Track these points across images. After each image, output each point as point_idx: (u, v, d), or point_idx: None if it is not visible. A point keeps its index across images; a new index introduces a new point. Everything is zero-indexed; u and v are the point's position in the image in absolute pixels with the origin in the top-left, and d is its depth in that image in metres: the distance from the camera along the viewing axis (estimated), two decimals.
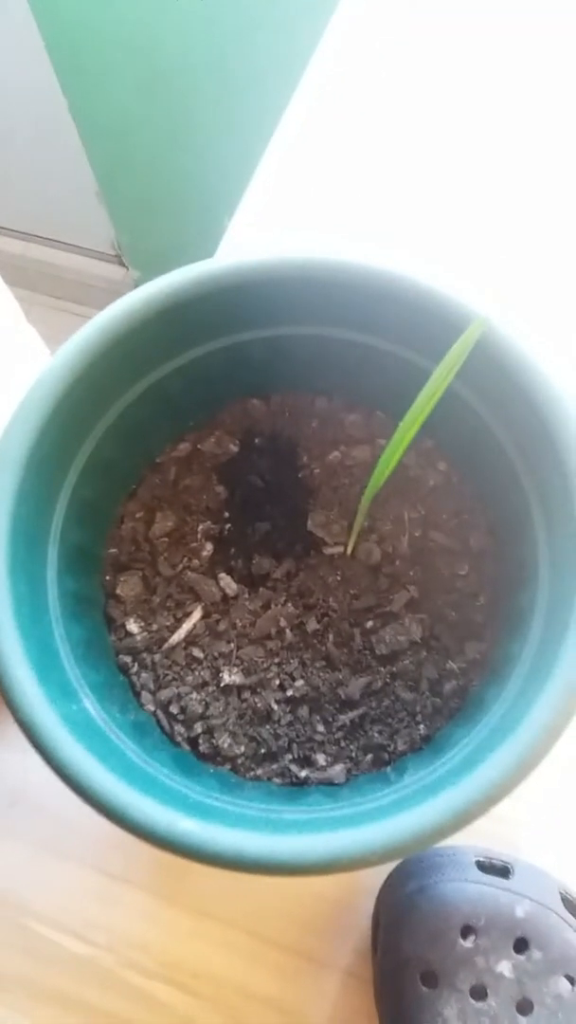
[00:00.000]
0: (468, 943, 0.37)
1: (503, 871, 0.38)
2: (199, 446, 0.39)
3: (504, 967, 0.37)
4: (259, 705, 0.35)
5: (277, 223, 0.51)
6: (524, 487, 0.33)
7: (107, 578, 0.37)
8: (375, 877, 0.41)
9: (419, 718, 0.35)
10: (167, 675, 0.36)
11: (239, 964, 0.42)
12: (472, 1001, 0.36)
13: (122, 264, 1.22)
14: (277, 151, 0.54)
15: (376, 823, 0.27)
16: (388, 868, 0.40)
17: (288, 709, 0.36)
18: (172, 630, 0.37)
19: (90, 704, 0.32)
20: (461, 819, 0.27)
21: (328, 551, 0.38)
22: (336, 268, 0.31)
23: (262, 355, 0.36)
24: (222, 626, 0.37)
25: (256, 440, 0.39)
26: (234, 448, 0.39)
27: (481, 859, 0.39)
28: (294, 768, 0.34)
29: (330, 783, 0.34)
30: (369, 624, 0.37)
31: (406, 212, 0.51)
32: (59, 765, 0.27)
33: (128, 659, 0.36)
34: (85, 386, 0.32)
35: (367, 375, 0.36)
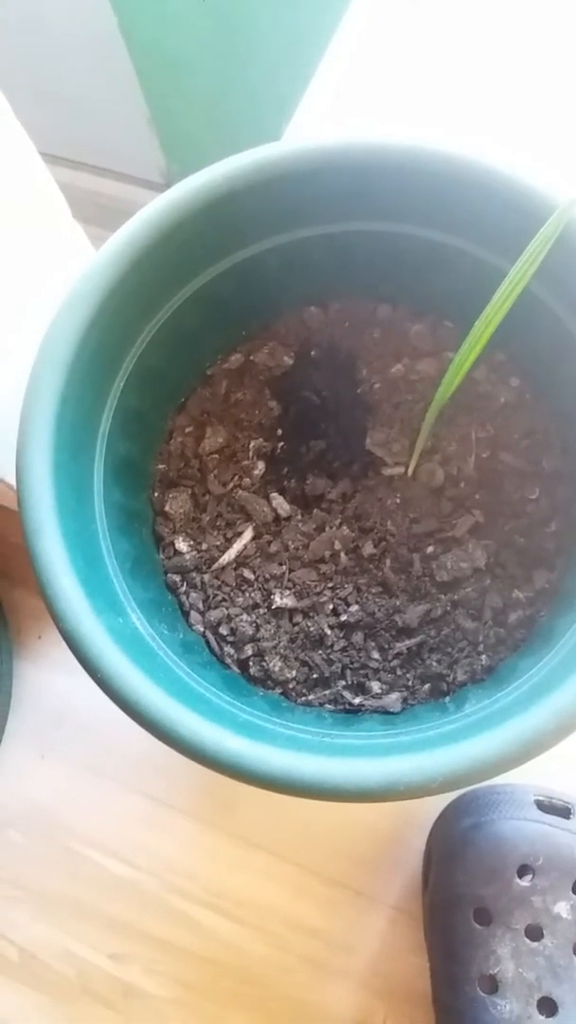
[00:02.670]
0: (525, 882, 0.35)
1: (564, 811, 0.36)
2: (252, 358, 0.37)
3: (562, 908, 0.35)
4: (311, 629, 0.34)
5: (339, 120, 0.48)
6: None
7: (156, 494, 0.36)
8: (427, 812, 0.40)
9: (481, 648, 0.33)
10: (217, 596, 0.35)
11: (285, 895, 0.41)
12: (527, 941, 0.35)
13: None
14: (339, 51, 0.50)
15: (438, 749, 0.25)
16: (441, 803, 0.39)
17: (342, 634, 0.34)
18: (222, 550, 0.35)
19: (137, 620, 0.30)
20: (530, 748, 0.25)
21: (387, 472, 0.36)
22: (407, 152, 0.28)
23: (322, 255, 0.33)
24: (274, 547, 0.35)
25: (312, 352, 0.37)
26: (289, 360, 0.37)
27: (541, 798, 0.37)
28: (347, 695, 0.33)
29: (385, 711, 0.32)
30: (429, 549, 0.35)
31: (478, 105, 0.48)
32: (103, 677, 0.26)
33: (177, 578, 0.35)
34: (132, 284, 0.30)
35: (436, 278, 0.33)
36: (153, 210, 0.29)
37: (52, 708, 0.43)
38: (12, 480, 0.35)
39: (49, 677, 0.44)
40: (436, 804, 0.39)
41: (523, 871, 0.36)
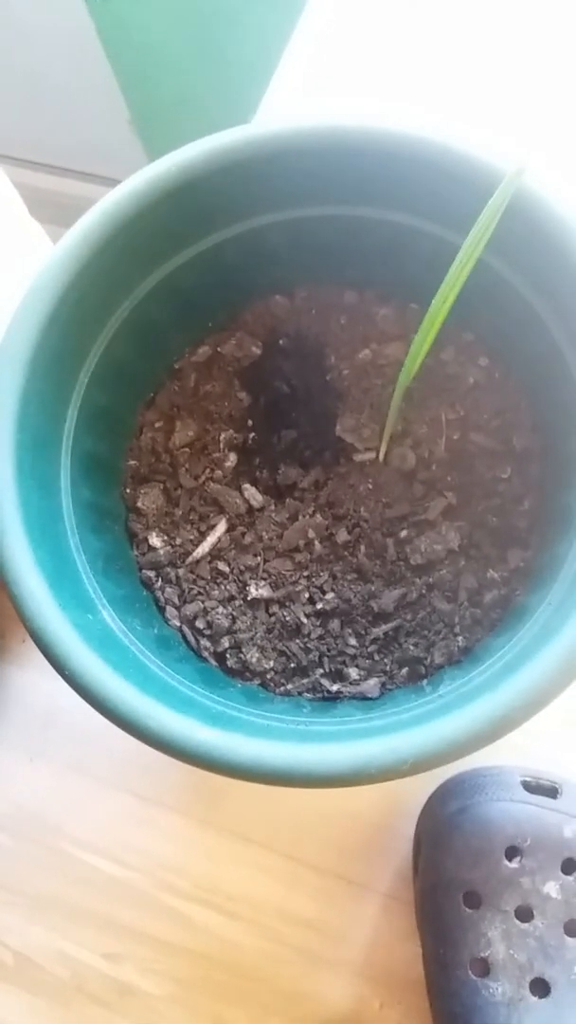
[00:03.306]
0: (513, 864, 0.35)
1: (551, 791, 0.36)
2: (219, 349, 0.37)
3: (551, 888, 0.35)
4: (288, 619, 0.34)
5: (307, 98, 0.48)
6: (573, 375, 0.30)
7: (127, 491, 0.36)
8: (416, 799, 0.39)
9: (457, 630, 0.33)
10: (192, 589, 0.34)
11: (277, 887, 0.41)
12: (517, 922, 0.35)
13: None
14: (303, 35, 0.50)
15: (408, 731, 0.25)
16: (429, 789, 0.39)
17: (318, 623, 0.34)
18: (196, 544, 0.35)
19: (108, 616, 0.30)
20: (500, 725, 0.25)
21: (358, 458, 0.35)
22: (356, 132, 0.28)
23: (283, 242, 0.33)
24: (248, 539, 0.35)
25: (280, 341, 0.37)
26: (257, 351, 0.37)
27: (528, 779, 0.37)
28: (326, 682, 0.33)
29: (363, 697, 0.32)
30: (403, 534, 0.34)
31: (447, 79, 0.47)
32: (71, 674, 0.26)
33: (151, 574, 0.35)
34: (92, 277, 0.29)
35: (399, 260, 0.33)
36: (110, 201, 0.29)
37: (39, 710, 0.43)
38: None
39: (35, 680, 0.43)
40: (424, 790, 0.39)
41: (511, 853, 0.35)
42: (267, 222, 0.32)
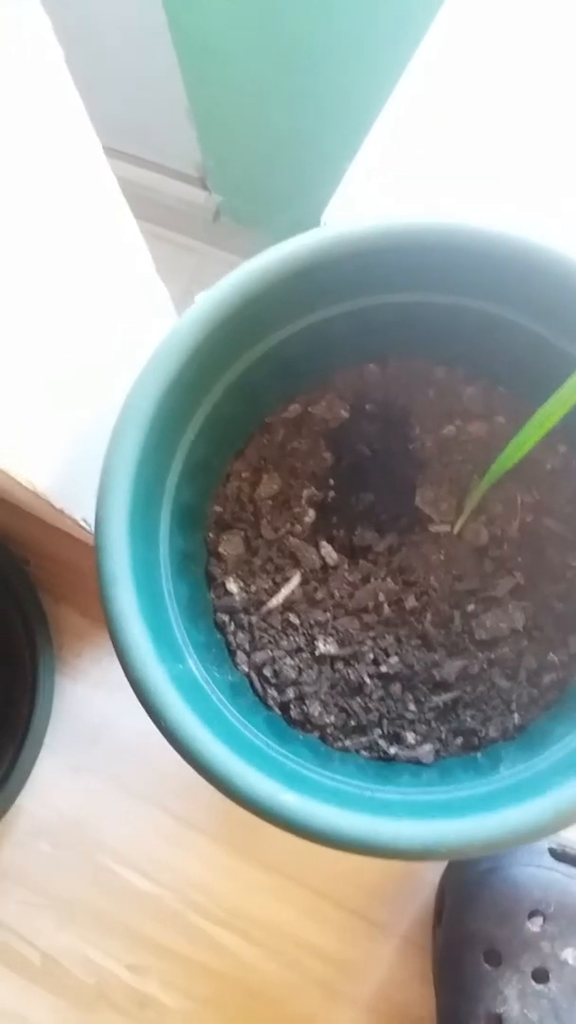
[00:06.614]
0: (535, 927, 0.37)
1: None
2: (309, 409, 0.38)
3: (569, 954, 0.37)
4: (351, 677, 0.35)
5: (395, 175, 0.48)
6: None
7: (210, 535, 0.37)
8: None
9: (514, 707, 0.34)
10: (263, 637, 0.36)
11: (300, 919, 0.43)
12: (533, 983, 0.37)
13: (205, 187, 1.18)
14: (401, 100, 0.51)
15: (478, 815, 0.27)
16: None
17: (380, 684, 0.35)
18: (270, 593, 0.37)
19: (193, 664, 0.32)
20: (567, 820, 0.26)
21: (434, 528, 0.37)
22: (475, 235, 0.30)
23: (386, 320, 0.35)
24: (320, 595, 0.37)
25: (368, 406, 0.38)
26: (344, 413, 0.38)
27: (555, 847, 0.39)
28: (383, 743, 0.34)
29: (417, 762, 0.34)
30: (470, 607, 0.36)
31: (544, 172, 0.49)
32: (168, 728, 0.28)
33: (226, 617, 0.36)
34: (215, 344, 0.31)
35: (495, 348, 0.35)
36: (243, 275, 0.30)
37: (88, 724, 0.45)
38: (72, 512, 0.37)
39: (87, 694, 0.45)
40: None
41: (534, 916, 0.37)
42: (377, 302, 0.34)
